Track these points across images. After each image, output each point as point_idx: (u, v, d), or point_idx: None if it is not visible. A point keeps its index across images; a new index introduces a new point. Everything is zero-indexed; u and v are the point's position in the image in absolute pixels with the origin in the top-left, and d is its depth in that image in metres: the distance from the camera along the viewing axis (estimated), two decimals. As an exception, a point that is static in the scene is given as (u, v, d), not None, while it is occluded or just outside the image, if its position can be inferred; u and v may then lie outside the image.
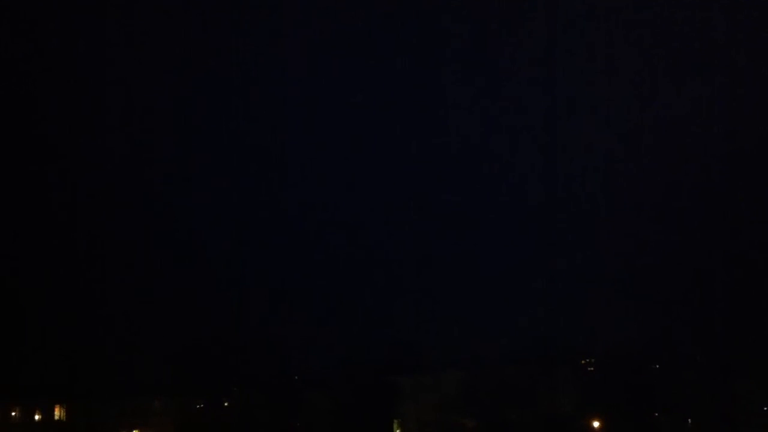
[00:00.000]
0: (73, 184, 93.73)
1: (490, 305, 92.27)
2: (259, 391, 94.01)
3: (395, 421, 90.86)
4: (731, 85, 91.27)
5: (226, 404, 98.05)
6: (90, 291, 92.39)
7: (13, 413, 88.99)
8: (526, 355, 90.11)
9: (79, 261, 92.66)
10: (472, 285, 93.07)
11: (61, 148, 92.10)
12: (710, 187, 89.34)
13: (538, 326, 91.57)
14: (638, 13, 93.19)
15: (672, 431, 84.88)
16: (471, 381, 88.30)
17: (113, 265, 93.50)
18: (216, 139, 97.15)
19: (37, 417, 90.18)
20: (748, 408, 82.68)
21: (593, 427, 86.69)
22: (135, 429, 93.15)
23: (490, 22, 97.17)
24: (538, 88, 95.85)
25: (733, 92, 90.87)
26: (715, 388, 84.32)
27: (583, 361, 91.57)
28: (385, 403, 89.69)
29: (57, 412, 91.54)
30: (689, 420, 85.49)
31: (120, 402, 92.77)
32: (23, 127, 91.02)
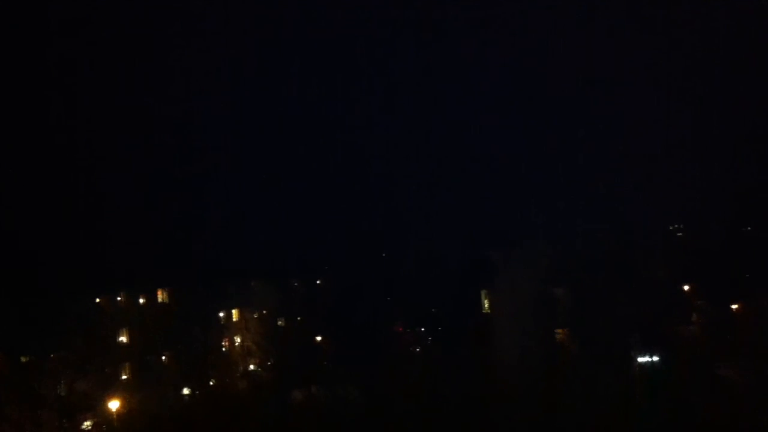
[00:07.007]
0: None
1: (576, 180, 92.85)
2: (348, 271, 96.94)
3: (482, 291, 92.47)
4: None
5: (318, 282, 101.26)
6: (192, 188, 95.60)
7: (119, 298, 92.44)
8: (613, 223, 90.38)
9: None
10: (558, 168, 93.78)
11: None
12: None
13: (623, 197, 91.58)
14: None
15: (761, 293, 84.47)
16: (560, 251, 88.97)
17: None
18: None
19: (141, 300, 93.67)
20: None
21: (685, 291, 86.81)
22: (234, 309, 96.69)
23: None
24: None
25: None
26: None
27: (671, 227, 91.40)
28: (474, 275, 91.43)
29: (160, 295, 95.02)
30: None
31: (220, 284, 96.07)
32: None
